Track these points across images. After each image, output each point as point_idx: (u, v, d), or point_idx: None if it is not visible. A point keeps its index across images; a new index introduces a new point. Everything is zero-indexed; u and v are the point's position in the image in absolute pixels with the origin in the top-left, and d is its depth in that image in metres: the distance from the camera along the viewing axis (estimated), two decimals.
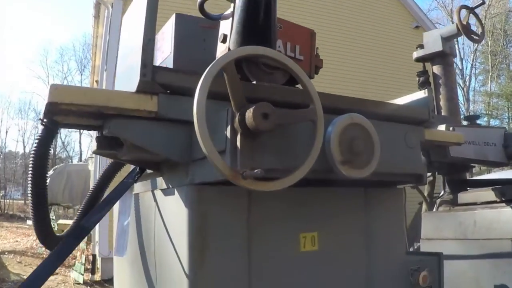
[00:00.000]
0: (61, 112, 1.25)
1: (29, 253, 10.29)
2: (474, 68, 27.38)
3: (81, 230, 1.57)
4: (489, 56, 25.81)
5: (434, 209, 2.58)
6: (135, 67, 1.30)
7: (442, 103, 2.64)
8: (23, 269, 8.27)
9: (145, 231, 1.65)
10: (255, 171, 1.08)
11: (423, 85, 2.68)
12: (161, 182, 1.55)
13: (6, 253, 10.08)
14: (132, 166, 1.78)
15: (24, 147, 34.66)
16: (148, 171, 1.72)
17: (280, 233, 1.39)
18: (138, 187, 1.77)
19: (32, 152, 1.34)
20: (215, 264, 1.28)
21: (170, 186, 1.47)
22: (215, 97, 1.22)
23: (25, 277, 5.79)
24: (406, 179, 1.60)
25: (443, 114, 2.60)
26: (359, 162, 1.32)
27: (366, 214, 1.57)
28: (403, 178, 1.59)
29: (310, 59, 1.79)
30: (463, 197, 2.40)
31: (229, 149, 1.18)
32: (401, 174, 1.54)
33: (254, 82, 1.48)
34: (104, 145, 1.43)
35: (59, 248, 1.47)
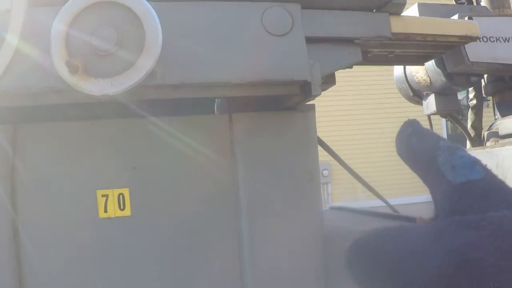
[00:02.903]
0: None
1: None
2: None
3: None
4: None
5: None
6: None
7: None
8: None
9: None
10: None
11: None
12: None
13: None
14: None
15: None
16: None
17: (61, 189, 0.91)
18: None
19: None
20: None
21: None
22: None
23: None
24: (280, 90, 0.95)
25: (482, 5, 1.75)
26: (110, 67, 0.77)
27: (232, 155, 0.99)
28: (273, 91, 0.95)
29: None
30: (505, 124, 1.56)
31: None
32: (266, 83, 0.91)
33: None
34: None
35: None
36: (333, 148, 1.35)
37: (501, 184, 0.27)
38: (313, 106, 1.08)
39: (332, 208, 1.71)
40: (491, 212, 0.24)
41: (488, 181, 0.27)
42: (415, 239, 0.24)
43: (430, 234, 0.24)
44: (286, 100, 1.03)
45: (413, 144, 0.30)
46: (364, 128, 7.79)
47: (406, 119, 0.32)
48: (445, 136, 7.22)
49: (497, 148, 1.50)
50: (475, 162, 0.28)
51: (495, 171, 1.06)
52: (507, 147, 1.45)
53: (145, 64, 0.77)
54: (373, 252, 0.26)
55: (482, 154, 1.58)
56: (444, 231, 0.24)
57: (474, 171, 0.27)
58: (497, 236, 0.22)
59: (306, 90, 0.94)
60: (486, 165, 0.28)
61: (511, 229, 0.22)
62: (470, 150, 1.72)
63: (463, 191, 0.26)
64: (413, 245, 0.24)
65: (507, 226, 0.23)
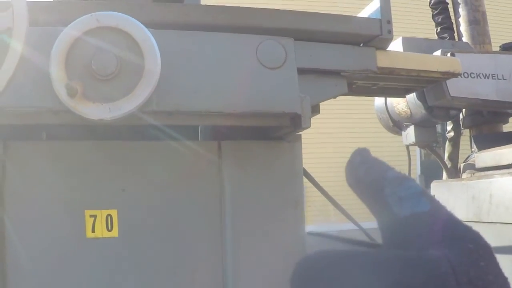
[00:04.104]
0: None
1: None
2: None
3: None
4: None
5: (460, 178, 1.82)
6: None
7: (463, 28, 1.86)
8: None
9: None
10: None
11: (436, 6, 1.92)
12: None
13: None
14: None
15: None
16: None
17: (50, 207, 0.91)
18: None
19: None
20: None
21: None
22: None
23: None
24: (270, 122, 0.99)
25: (464, 40, 1.83)
26: (108, 92, 0.79)
27: (220, 182, 1.01)
28: (263, 122, 0.98)
29: None
30: (482, 158, 1.62)
31: None
32: (257, 114, 0.94)
33: None
34: None
35: None
36: (309, 170, 1.38)
37: (447, 217, 0.26)
38: (299, 136, 1.11)
39: (310, 233, 1.73)
40: (431, 250, 0.24)
41: (434, 214, 0.26)
42: (359, 268, 0.25)
43: (372, 265, 0.25)
44: (275, 130, 1.06)
45: (361, 174, 0.29)
46: (339, 151, 7.88)
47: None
48: (418, 163, 7.31)
49: (473, 181, 1.55)
50: (422, 194, 0.27)
51: (471, 203, 1.10)
52: (483, 180, 1.50)
53: (144, 91, 0.79)
54: (317, 274, 0.25)
55: (458, 186, 1.63)
56: (385, 265, 0.24)
57: (420, 203, 0.26)
58: (432, 277, 0.22)
59: (296, 123, 0.97)
60: (434, 196, 0.28)
61: (447, 271, 0.23)
62: (447, 181, 1.78)
63: (408, 225, 0.26)
64: (356, 274, 0.24)
65: (443, 268, 0.23)
